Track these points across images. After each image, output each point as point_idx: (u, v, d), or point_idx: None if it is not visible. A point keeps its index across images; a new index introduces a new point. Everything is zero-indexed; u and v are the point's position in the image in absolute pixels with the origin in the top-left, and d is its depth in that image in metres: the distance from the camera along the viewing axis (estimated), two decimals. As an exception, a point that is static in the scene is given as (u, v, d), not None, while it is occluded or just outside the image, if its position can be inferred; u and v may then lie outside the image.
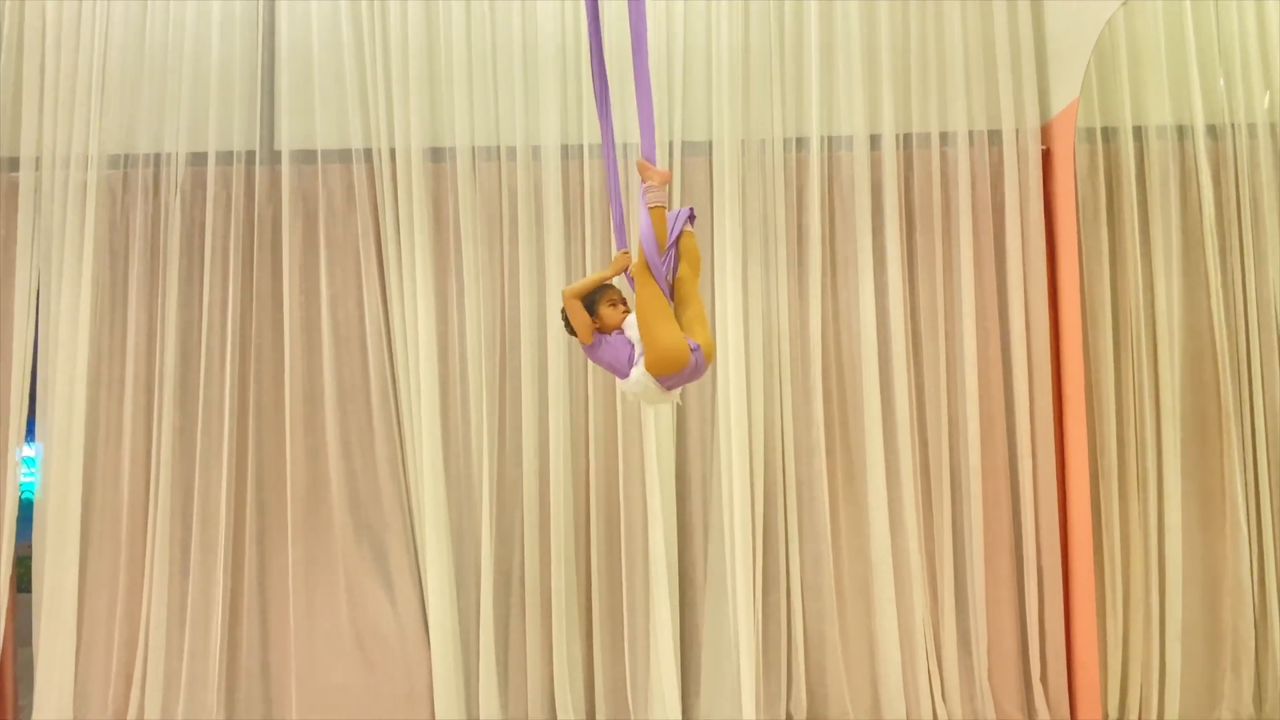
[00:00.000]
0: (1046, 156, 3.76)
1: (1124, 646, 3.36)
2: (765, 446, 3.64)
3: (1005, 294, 3.71)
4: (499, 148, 3.74)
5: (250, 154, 3.74)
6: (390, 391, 3.66)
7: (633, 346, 2.56)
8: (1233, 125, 3.29)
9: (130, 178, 3.72)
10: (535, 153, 3.73)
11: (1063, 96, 3.68)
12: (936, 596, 3.63)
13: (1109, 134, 3.51)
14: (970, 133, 3.75)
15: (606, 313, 2.63)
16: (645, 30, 2.52)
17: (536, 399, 3.64)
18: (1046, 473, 3.62)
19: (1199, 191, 3.33)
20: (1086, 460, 3.42)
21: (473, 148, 3.72)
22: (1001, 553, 3.64)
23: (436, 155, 3.75)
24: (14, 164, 3.71)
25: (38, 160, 3.69)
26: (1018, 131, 3.74)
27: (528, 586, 3.60)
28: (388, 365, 3.66)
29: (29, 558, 3.64)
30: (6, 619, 3.62)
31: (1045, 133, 3.78)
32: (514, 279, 3.70)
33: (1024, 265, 3.69)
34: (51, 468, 3.59)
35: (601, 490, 3.65)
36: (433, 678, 3.54)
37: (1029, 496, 3.62)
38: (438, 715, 3.53)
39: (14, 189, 3.70)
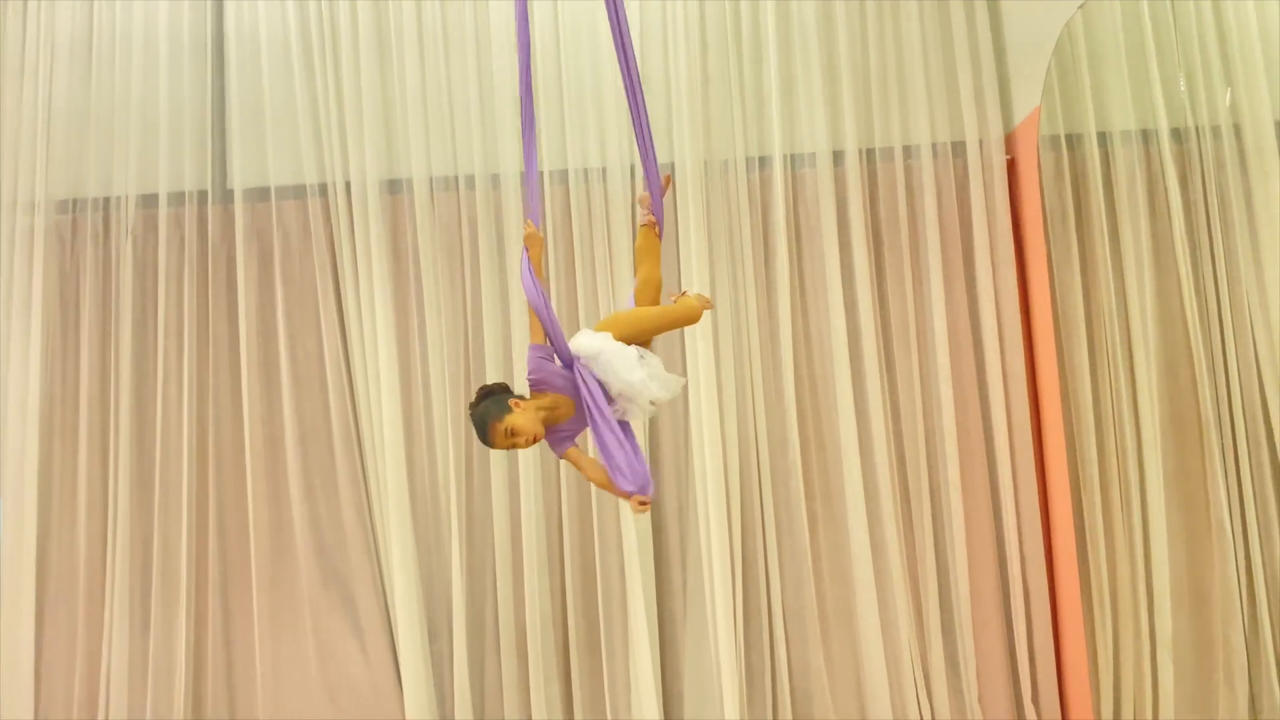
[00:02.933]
0: (1011, 166, 3.72)
1: (1115, 662, 3.28)
2: (741, 471, 3.56)
3: (976, 306, 3.66)
4: (457, 177, 3.68)
5: (202, 194, 3.66)
6: (353, 431, 3.57)
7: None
8: (1196, 128, 3.26)
9: (79, 222, 3.64)
10: (495, 181, 3.67)
11: (1025, 105, 3.65)
12: (922, 618, 3.55)
13: (1074, 141, 3.47)
14: (934, 145, 3.71)
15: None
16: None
17: (504, 432, 3.55)
18: (1027, 486, 3.56)
19: (1166, 195, 3.29)
20: (1067, 472, 3.36)
21: (430, 178, 3.66)
22: (986, 570, 3.57)
23: (394, 187, 3.68)
24: (-41, 213, 3.62)
25: (-16, 208, 3.61)
26: (981, 142, 3.70)
27: (502, 627, 3.49)
28: (349, 404, 3.57)
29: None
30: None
31: (1009, 142, 3.74)
32: (477, 311, 3.63)
33: (994, 276, 3.65)
34: (4, 523, 3.47)
35: (575, 524, 3.55)
36: (406, 725, 3.43)
37: (1011, 511, 3.56)
38: (413, 764, 3.41)
39: (-40, 238, 3.61)
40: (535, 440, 2.32)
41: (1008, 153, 3.72)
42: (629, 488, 2.25)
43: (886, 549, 3.53)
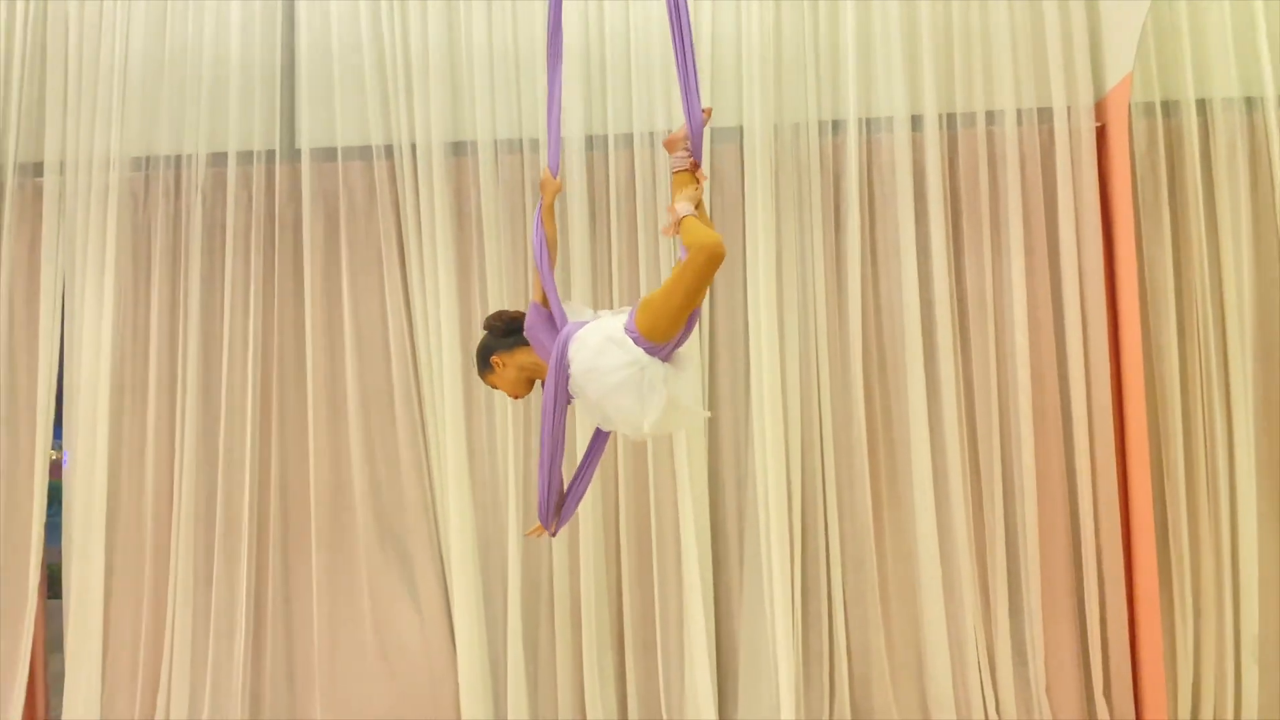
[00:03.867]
0: (1101, 134, 3.53)
1: (1194, 657, 3.12)
2: (803, 446, 3.46)
3: (1059, 281, 3.49)
4: (522, 140, 3.63)
5: (270, 153, 3.67)
6: (414, 393, 3.56)
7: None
8: (1306, 94, 3.04)
9: (152, 179, 3.68)
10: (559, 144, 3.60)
11: (1118, 69, 3.45)
12: (989, 603, 3.42)
13: (1170, 108, 3.27)
14: (1019, 110, 3.53)
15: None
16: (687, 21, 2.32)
17: (563, 399, 3.51)
18: (1106, 471, 3.40)
19: (1270, 166, 3.08)
20: (1149, 457, 3.19)
21: (495, 141, 3.61)
22: (1058, 556, 3.42)
23: (458, 149, 3.64)
24: (39, 169, 3.69)
25: (61, 164, 3.67)
26: (1069, 108, 3.52)
27: (556, 594, 3.47)
28: (411, 366, 3.57)
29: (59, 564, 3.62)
30: (37, 626, 3.60)
31: (1099, 109, 3.55)
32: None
33: (1079, 250, 3.47)
34: (77, 473, 3.56)
35: (631, 493, 3.51)
36: (459, 689, 3.43)
37: (1087, 496, 3.40)
38: (465, 727, 3.42)
39: (39, 194, 3.68)
40: (516, 398, 2.36)
41: (1098, 120, 3.53)
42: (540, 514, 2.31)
43: (954, 531, 3.41)
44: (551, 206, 2.35)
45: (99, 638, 3.51)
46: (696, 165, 2.30)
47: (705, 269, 2.05)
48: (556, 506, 2.36)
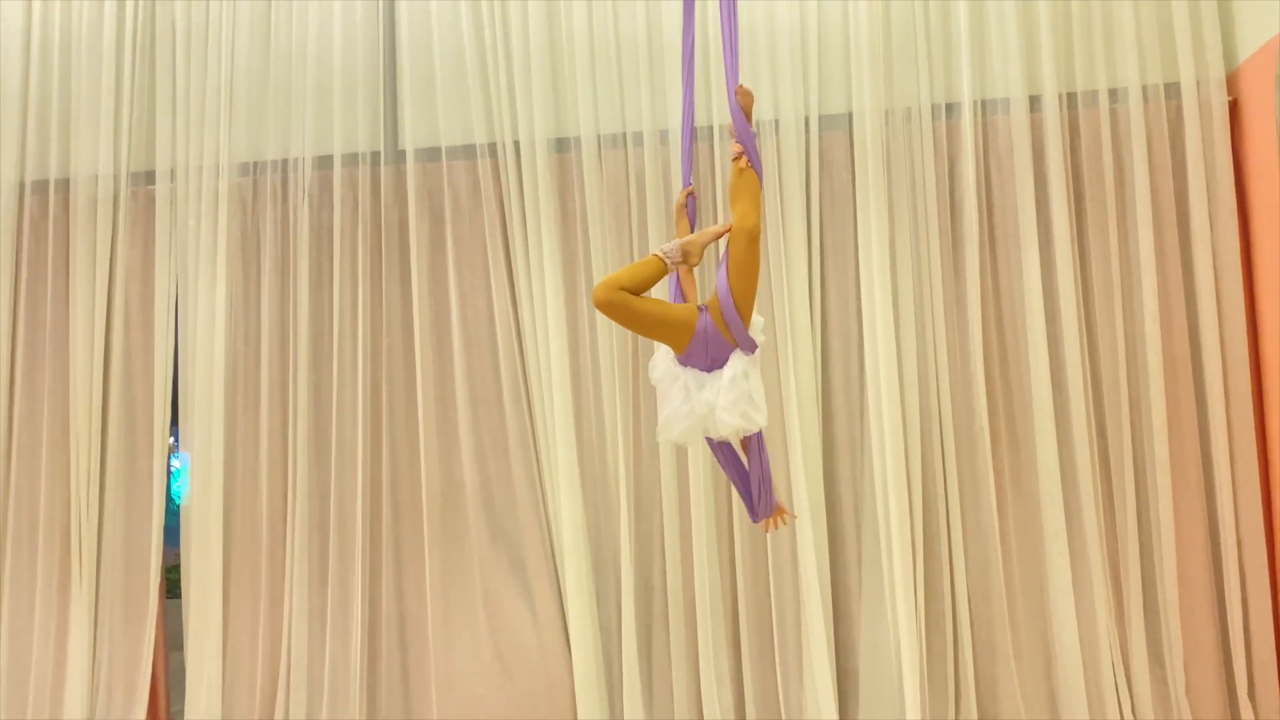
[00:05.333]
0: (1234, 108, 3.36)
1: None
2: (922, 441, 3.36)
3: (1191, 266, 3.34)
4: (625, 134, 3.58)
5: (375, 155, 3.68)
6: (522, 392, 3.54)
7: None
8: None
9: (260, 184, 3.72)
10: (663, 137, 3.56)
11: (1252, 39, 3.27)
12: (1122, 601, 3.30)
13: (1309, 79, 3.09)
14: (1144, 87, 3.38)
15: None
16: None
17: (673, 395, 3.45)
18: (1246, 461, 3.25)
19: None
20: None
21: (598, 136, 3.57)
22: (1196, 552, 3.28)
23: (561, 146, 3.61)
24: (150, 177, 3.75)
25: (172, 172, 3.72)
26: (1199, 82, 3.35)
27: (670, 593, 3.43)
28: (519, 365, 3.55)
29: (178, 566, 3.68)
30: (158, 625, 3.66)
31: (1231, 82, 3.37)
32: (646, 270, 3.52)
33: (1212, 233, 3.32)
34: (194, 475, 3.61)
35: (744, 490, 3.44)
36: (575, 690, 3.40)
37: (1226, 488, 3.25)
38: (581, 728, 3.40)
39: (151, 201, 3.74)
40: None
41: (1230, 94, 3.35)
42: None
43: (1083, 528, 3.29)
44: (679, 218, 2.58)
45: (219, 637, 3.56)
46: (740, 154, 2.37)
47: (654, 271, 2.35)
48: (746, 496, 2.47)
